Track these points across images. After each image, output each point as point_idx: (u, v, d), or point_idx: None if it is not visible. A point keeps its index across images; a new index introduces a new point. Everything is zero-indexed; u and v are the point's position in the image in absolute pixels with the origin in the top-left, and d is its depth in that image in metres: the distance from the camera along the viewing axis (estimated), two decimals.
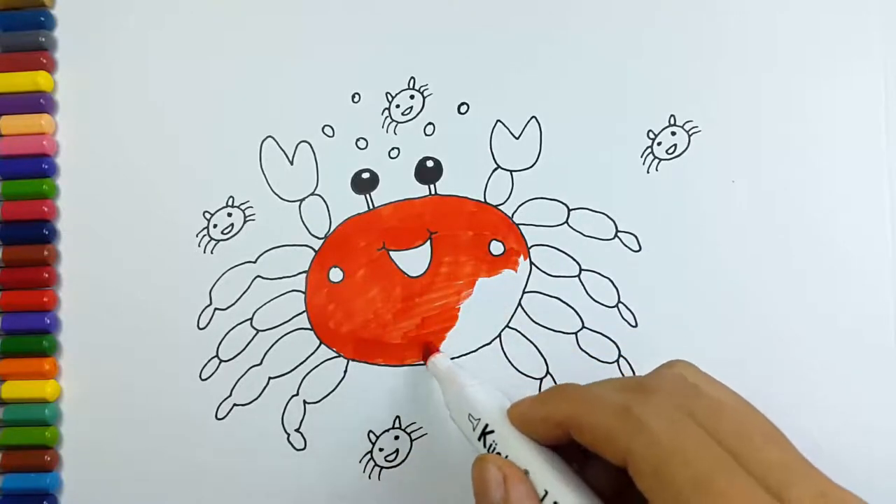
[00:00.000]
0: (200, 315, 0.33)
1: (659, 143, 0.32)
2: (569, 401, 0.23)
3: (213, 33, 0.34)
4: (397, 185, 0.33)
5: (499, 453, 0.24)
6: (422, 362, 0.32)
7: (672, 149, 0.32)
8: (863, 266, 0.31)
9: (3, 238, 0.34)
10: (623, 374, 0.31)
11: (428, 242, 0.32)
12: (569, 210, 0.32)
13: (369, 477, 0.32)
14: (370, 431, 0.32)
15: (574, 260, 0.32)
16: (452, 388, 0.28)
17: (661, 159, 0.32)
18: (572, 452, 0.23)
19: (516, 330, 0.32)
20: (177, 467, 0.32)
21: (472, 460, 0.24)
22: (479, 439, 0.25)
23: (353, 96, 0.33)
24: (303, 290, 0.33)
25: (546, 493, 0.22)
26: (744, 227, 0.31)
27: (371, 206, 0.33)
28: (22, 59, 0.34)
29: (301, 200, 0.33)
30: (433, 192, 0.33)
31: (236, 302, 0.33)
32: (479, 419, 0.26)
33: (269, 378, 0.32)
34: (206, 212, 0.33)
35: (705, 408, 0.21)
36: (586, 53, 0.32)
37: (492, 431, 0.25)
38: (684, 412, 0.20)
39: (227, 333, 0.33)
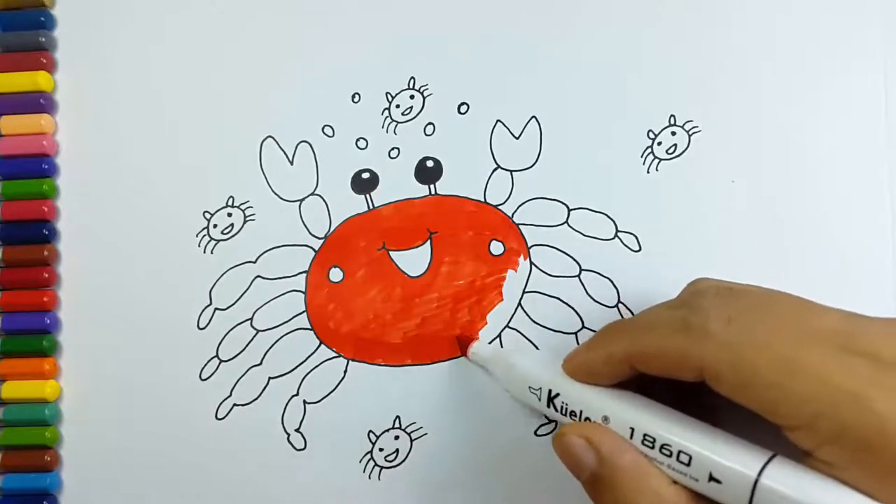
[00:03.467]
0: (200, 315, 0.33)
1: (659, 143, 0.32)
2: (625, 335, 0.23)
3: (213, 33, 0.34)
4: (397, 185, 0.33)
5: (572, 412, 0.24)
6: (421, 363, 0.32)
7: (672, 149, 0.32)
8: (863, 266, 0.31)
9: (3, 238, 0.34)
10: None
11: (428, 242, 0.32)
12: (569, 210, 0.32)
13: (369, 477, 0.32)
14: (370, 431, 0.32)
15: (574, 260, 0.32)
16: (502, 370, 0.28)
17: (661, 159, 0.32)
18: (629, 388, 0.23)
19: (516, 330, 0.32)
20: (177, 467, 0.32)
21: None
22: (549, 406, 0.25)
23: (353, 96, 0.33)
24: (303, 290, 0.32)
25: (632, 430, 0.22)
26: (744, 227, 0.31)
27: (371, 206, 0.33)
28: (22, 59, 0.34)
29: (301, 200, 0.33)
30: (433, 192, 0.33)
31: (236, 302, 0.33)
32: (540, 388, 0.25)
33: (269, 378, 0.32)
34: (206, 212, 0.33)
35: (750, 304, 0.21)
36: (586, 53, 0.32)
37: (557, 395, 0.25)
38: (734, 310, 0.21)
39: (227, 333, 0.33)
